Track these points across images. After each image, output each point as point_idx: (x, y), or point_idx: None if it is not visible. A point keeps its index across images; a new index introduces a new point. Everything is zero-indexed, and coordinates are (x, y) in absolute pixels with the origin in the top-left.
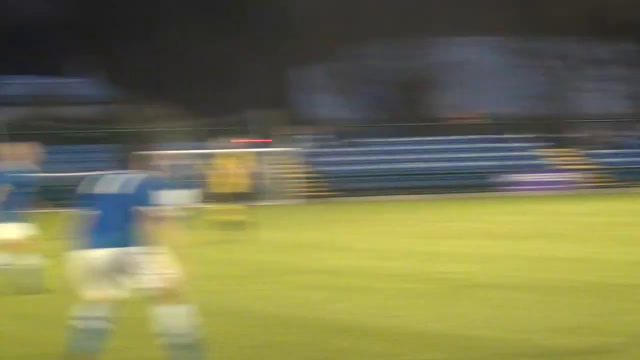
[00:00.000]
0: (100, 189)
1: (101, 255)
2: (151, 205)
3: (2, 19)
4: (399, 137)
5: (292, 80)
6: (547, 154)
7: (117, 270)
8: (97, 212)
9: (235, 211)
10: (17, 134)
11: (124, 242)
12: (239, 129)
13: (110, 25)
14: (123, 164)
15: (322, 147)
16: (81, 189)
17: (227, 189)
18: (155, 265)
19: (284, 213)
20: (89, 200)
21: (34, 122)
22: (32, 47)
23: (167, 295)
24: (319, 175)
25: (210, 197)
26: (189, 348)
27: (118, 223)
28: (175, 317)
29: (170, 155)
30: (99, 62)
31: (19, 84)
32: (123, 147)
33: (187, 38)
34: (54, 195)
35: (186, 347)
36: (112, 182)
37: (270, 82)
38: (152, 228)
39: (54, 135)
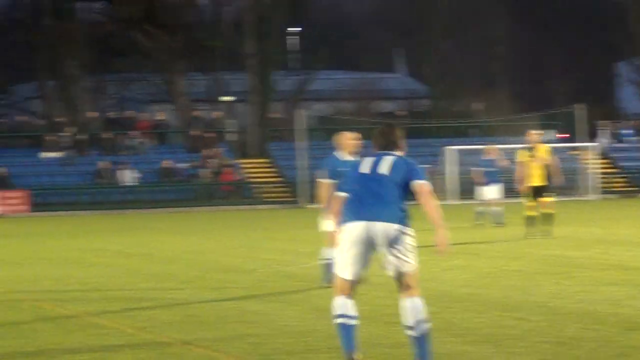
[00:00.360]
0: (363, 169)
1: (361, 228)
2: (412, 184)
3: (321, 17)
4: None
5: (611, 74)
6: None
7: (374, 245)
8: (359, 190)
9: (536, 206)
10: (326, 128)
11: (383, 218)
12: (554, 124)
13: (422, 20)
14: (383, 147)
15: (622, 142)
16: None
17: (532, 184)
18: (408, 248)
19: (582, 208)
20: (353, 180)
21: (339, 117)
22: (349, 43)
23: (410, 284)
24: (618, 170)
25: (518, 192)
26: (421, 341)
27: (378, 200)
28: (413, 309)
29: (490, 150)
30: (414, 57)
31: (329, 79)
32: (382, 129)
33: (501, 32)
34: None
35: (418, 340)
36: (374, 163)
37: (590, 77)
38: (412, 208)
39: (365, 130)
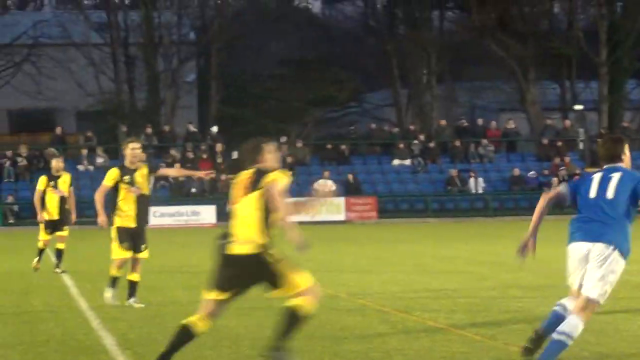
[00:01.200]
0: (591, 193)
1: (582, 249)
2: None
3: None
4: None
5: None
6: None
7: (592, 264)
8: (586, 213)
9: None
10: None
11: (603, 240)
12: None
13: None
14: (608, 160)
15: None
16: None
17: None
18: (608, 277)
19: None
20: (583, 202)
21: None
22: None
23: (582, 307)
24: None
25: None
26: (552, 344)
27: (602, 223)
28: (569, 322)
29: None
30: None
31: None
32: (606, 142)
33: None
34: None
35: (551, 342)
36: (601, 183)
37: None
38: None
39: None
